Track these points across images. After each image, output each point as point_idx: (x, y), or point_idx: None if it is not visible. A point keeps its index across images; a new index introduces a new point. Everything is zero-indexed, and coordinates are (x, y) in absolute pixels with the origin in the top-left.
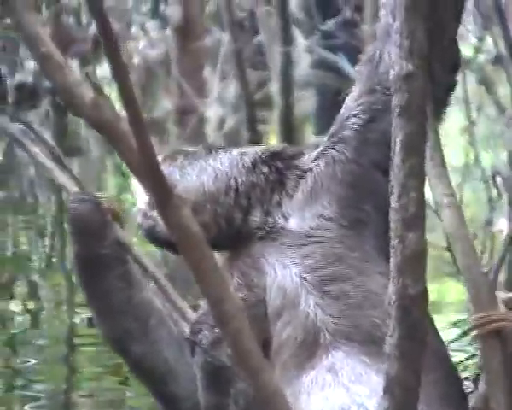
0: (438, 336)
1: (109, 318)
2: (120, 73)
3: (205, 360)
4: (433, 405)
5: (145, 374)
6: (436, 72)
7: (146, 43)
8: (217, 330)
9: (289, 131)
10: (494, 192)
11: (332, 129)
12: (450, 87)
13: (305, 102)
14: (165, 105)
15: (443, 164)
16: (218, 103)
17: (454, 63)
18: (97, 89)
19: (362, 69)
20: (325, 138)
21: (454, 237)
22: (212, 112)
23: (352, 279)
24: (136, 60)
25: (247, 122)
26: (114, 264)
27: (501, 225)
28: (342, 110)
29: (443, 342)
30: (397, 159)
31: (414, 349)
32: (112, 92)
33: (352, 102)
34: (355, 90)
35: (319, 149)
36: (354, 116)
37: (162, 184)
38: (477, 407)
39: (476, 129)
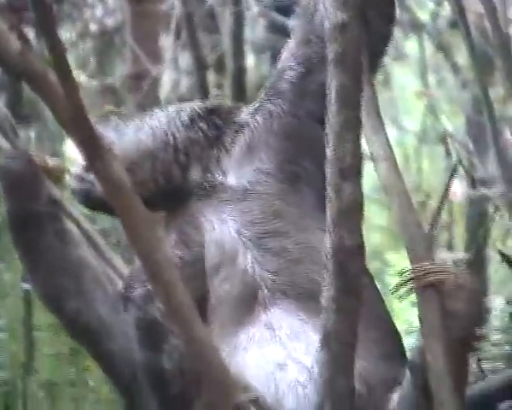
0: (379, 294)
1: (43, 275)
2: (46, 24)
3: (137, 315)
4: (373, 362)
5: (79, 332)
6: (372, 22)
7: (102, 10)
8: (149, 285)
9: (242, 94)
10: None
11: (268, 82)
12: (386, 38)
13: (262, 67)
14: (120, 71)
15: (378, 116)
16: (172, 68)
17: (390, 13)
18: (24, 39)
19: (297, 21)
20: (263, 92)
21: (390, 190)
22: (166, 76)
23: (290, 235)
24: (92, 27)
25: (199, 86)
26: (48, 221)
27: (454, 188)
28: (278, 63)
29: (383, 301)
30: (332, 110)
31: (350, 303)
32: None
33: (287, 55)
34: (291, 43)
35: (256, 104)
36: (290, 68)
37: (91, 136)
38: (414, 360)
39: (434, 94)
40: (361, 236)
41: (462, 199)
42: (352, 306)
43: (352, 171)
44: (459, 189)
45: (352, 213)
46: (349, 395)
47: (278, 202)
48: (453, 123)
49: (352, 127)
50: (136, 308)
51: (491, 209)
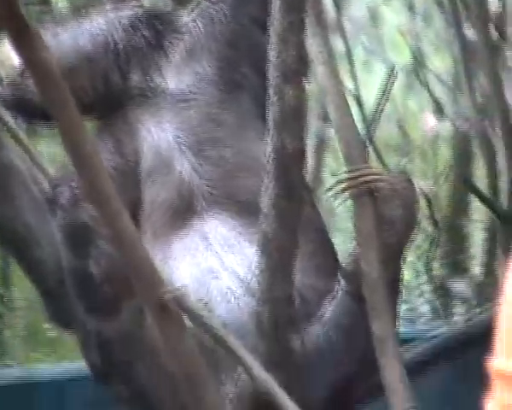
0: (315, 207)
1: None
2: None
3: (64, 219)
4: (309, 274)
5: (6, 239)
6: None
7: None
8: (76, 189)
9: None
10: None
11: None
12: None
13: None
14: None
15: (319, 22)
16: None
17: None
18: None
19: None
20: None
21: (327, 91)
22: None
23: (229, 144)
24: None
25: None
26: None
27: (429, 120)
28: None
29: (319, 214)
30: (276, 13)
31: (290, 208)
32: None
33: None
34: None
35: (198, 9)
36: None
37: (17, 18)
38: (348, 268)
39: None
40: (302, 141)
41: (432, 132)
42: (293, 212)
43: (295, 74)
44: (432, 122)
45: (295, 117)
46: (288, 303)
47: (218, 110)
48: (438, 62)
49: (296, 31)
50: (64, 212)
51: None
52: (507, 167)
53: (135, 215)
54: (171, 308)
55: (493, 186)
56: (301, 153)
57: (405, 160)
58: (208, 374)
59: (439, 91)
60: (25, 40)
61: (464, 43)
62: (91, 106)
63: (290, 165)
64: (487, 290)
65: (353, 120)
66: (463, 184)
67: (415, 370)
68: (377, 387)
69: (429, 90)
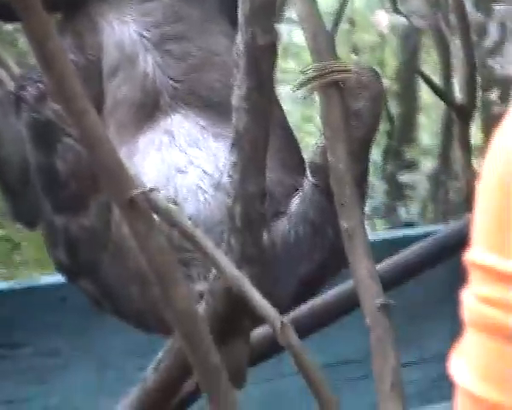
0: (278, 103)
1: None
2: None
3: (30, 116)
4: (276, 169)
5: None
6: None
7: None
8: (41, 85)
9: None
10: None
11: None
12: None
13: None
14: None
15: None
16: None
17: None
18: None
19: None
20: None
21: None
22: None
23: (193, 39)
24: None
25: None
26: None
27: (380, 18)
28: None
29: (283, 110)
30: None
31: (262, 102)
32: None
33: None
34: None
35: None
36: None
37: None
38: (315, 161)
39: None
40: (273, 34)
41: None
42: (264, 105)
43: None
44: (385, 19)
45: (266, 9)
46: (260, 197)
47: (181, 5)
48: None
49: None
50: (30, 108)
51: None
52: (463, 63)
53: (97, 111)
54: (140, 206)
55: (447, 80)
56: (272, 46)
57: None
58: (178, 271)
59: None
60: None
61: None
62: (53, 1)
63: (261, 58)
64: (442, 184)
65: (319, 13)
66: (419, 78)
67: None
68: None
69: None
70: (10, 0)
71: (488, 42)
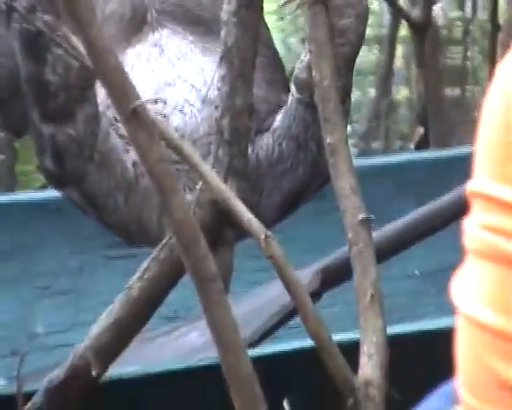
0: (264, 21)
1: None
2: None
3: (21, 26)
4: (261, 86)
5: None
6: None
7: None
8: None
9: None
10: None
11: None
12: None
13: None
14: None
15: None
16: None
17: None
18: None
19: None
20: None
21: None
22: None
23: None
24: None
25: None
26: None
27: None
28: None
29: (268, 29)
30: None
31: (251, 16)
32: None
33: None
34: None
35: None
36: None
37: None
38: (300, 76)
39: None
40: None
41: None
42: (253, 20)
43: None
44: None
45: None
46: (248, 110)
47: None
48: None
49: None
50: (20, 19)
51: None
52: None
53: None
54: (143, 116)
55: None
56: None
57: None
58: (177, 181)
59: None
60: None
61: None
62: None
63: None
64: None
65: None
66: None
67: None
68: None
69: None
70: None
71: None
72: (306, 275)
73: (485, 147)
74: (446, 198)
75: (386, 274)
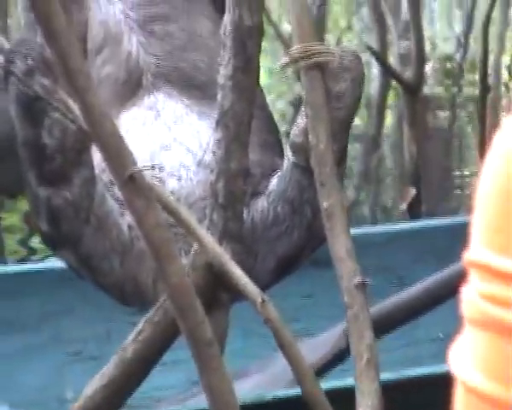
0: (259, 84)
1: None
2: None
3: (19, 90)
4: (256, 149)
5: None
6: None
7: None
8: (30, 60)
9: None
10: None
11: None
12: None
13: None
14: None
15: None
16: None
17: None
18: None
19: None
20: None
21: None
22: None
23: (177, 21)
24: None
25: None
26: None
27: None
28: None
29: (263, 92)
30: None
31: (247, 81)
32: None
33: None
34: None
35: None
36: None
37: None
38: (296, 140)
39: None
40: (260, 15)
41: None
42: (249, 84)
43: None
44: None
45: None
46: (243, 174)
47: None
48: None
49: None
50: (18, 82)
51: None
52: (414, 39)
53: None
54: (140, 182)
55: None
56: (259, 28)
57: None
58: (174, 246)
59: None
60: None
61: None
62: None
63: (248, 39)
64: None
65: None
66: (369, 54)
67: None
68: None
69: None
70: None
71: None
72: (333, 334)
73: (482, 215)
74: None
75: (410, 338)
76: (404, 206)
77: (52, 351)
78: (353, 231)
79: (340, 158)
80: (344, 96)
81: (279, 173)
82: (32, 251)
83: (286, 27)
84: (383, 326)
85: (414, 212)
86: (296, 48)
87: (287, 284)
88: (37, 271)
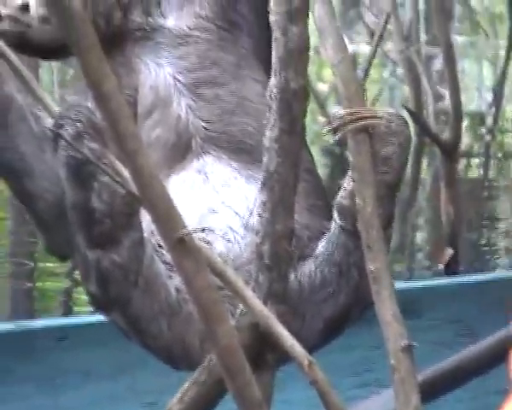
0: (307, 147)
1: None
2: None
3: (68, 154)
4: (303, 214)
5: (3, 169)
6: None
7: None
8: (79, 124)
9: None
10: None
11: None
12: None
13: None
14: None
15: None
16: None
17: None
18: None
19: None
20: None
21: (323, 30)
22: None
23: (226, 84)
24: None
25: None
26: None
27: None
28: None
29: (311, 154)
30: None
31: (293, 143)
32: None
33: None
34: None
35: None
36: None
37: None
38: (343, 203)
39: None
40: (306, 78)
41: None
42: (295, 147)
43: (299, 13)
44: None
45: (299, 55)
46: (288, 237)
47: (215, 50)
48: None
49: None
50: (67, 147)
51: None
52: (451, 99)
53: None
54: (190, 245)
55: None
56: (304, 90)
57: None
58: (223, 308)
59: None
60: None
61: None
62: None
63: (293, 101)
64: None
65: (350, 58)
66: (408, 115)
67: None
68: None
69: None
70: (68, 41)
71: None
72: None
73: None
74: None
75: (478, 389)
76: (441, 266)
77: (128, 402)
78: (420, 283)
79: (387, 221)
80: (391, 159)
81: (326, 236)
82: None
83: (321, 87)
84: (444, 384)
85: (451, 271)
86: (343, 111)
87: (357, 334)
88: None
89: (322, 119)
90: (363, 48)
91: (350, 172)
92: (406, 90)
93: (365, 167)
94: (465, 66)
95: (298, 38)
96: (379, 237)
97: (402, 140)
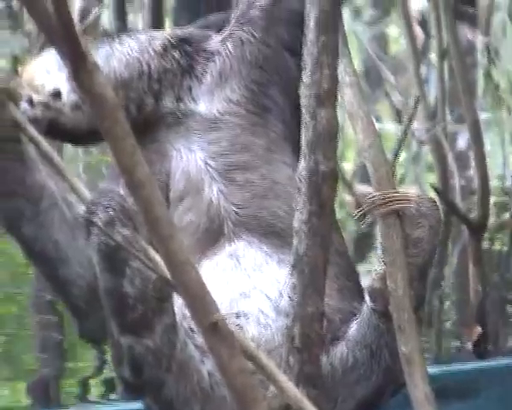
0: (338, 229)
1: (0, 197)
2: None
3: (100, 240)
4: (334, 297)
5: (36, 257)
6: None
7: None
8: (111, 211)
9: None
10: None
11: (239, 9)
12: None
13: None
14: None
15: (344, 41)
16: None
17: None
18: None
19: None
20: (233, 20)
21: (353, 115)
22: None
23: (257, 168)
24: None
25: (115, 11)
26: (7, 143)
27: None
28: None
29: (342, 236)
30: (311, 35)
31: (323, 226)
32: None
33: None
34: None
35: (227, 31)
36: None
37: (77, 46)
38: (374, 286)
39: None
40: (335, 161)
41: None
42: (324, 230)
43: (328, 96)
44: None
45: (328, 138)
46: (319, 319)
47: (246, 134)
48: None
49: (330, 52)
50: (99, 233)
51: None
52: (478, 177)
53: None
54: (223, 330)
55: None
56: (334, 173)
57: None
58: (258, 392)
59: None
60: (82, 68)
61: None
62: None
63: (323, 184)
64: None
65: (380, 141)
66: (436, 194)
67: None
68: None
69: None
70: (100, 128)
71: None
72: None
73: None
74: None
75: None
76: (469, 345)
77: None
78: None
79: (418, 303)
80: (422, 242)
81: (358, 319)
82: None
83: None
84: None
85: (480, 351)
86: (374, 195)
87: None
88: None
89: (348, 197)
90: (388, 126)
91: (380, 255)
92: (431, 167)
93: (396, 250)
94: (488, 141)
95: (326, 121)
96: (411, 319)
97: (433, 222)
